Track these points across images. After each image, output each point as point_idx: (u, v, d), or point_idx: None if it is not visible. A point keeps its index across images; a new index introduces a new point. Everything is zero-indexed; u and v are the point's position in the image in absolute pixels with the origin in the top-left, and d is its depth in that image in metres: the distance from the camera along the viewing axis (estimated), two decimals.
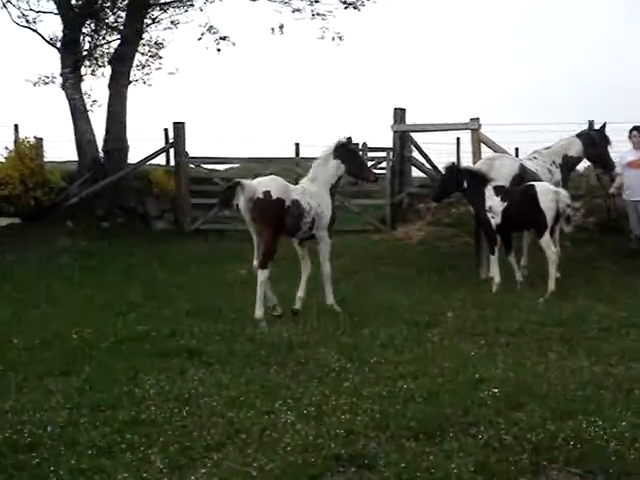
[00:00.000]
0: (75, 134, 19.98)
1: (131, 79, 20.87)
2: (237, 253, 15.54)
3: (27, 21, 20.57)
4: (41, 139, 19.50)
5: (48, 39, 20.38)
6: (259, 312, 9.78)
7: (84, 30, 20.62)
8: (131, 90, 20.76)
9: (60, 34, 20.11)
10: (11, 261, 15.44)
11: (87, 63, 21.11)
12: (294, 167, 19.09)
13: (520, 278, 12.11)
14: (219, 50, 21.86)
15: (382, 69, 59.66)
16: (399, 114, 18.04)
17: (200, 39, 21.73)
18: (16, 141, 19.75)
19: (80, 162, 20.00)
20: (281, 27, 21.99)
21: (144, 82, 22.18)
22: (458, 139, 25.37)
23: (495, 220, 11.90)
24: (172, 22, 21.93)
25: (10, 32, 52.54)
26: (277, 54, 56.76)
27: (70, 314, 10.21)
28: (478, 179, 12.12)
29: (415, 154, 18.80)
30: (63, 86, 20.00)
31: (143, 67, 22.10)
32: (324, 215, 10.33)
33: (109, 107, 20.22)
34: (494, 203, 11.92)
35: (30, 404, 6.65)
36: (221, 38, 21.83)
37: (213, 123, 46.87)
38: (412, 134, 18.39)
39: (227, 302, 11.03)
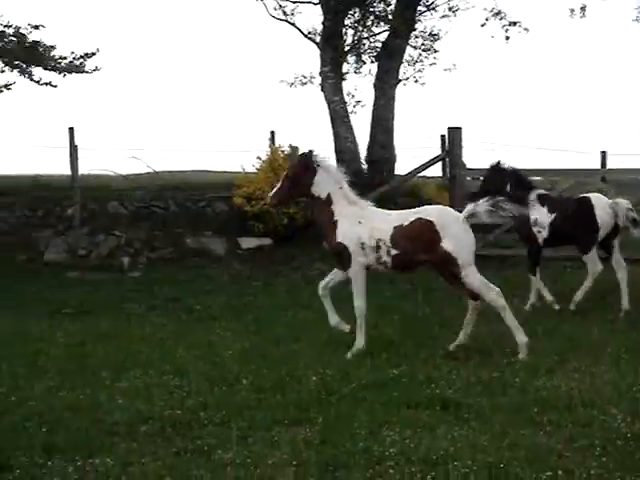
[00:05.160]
0: (335, 141, 20.53)
1: (400, 77, 21.15)
2: (523, 282, 15.20)
3: (284, 13, 21.52)
4: (297, 148, 20.16)
5: (306, 33, 21.16)
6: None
7: (347, 22, 21.20)
8: (400, 90, 21.04)
9: (320, 27, 20.80)
10: (256, 288, 16.07)
11: (350, 59, 21.66)
12: (597, 181, 18.50)
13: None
14: (507, 38, 21.72)
15: None
16: None
17: (484, 25, 21.71)
18: (271, 150, 20.50)
19: None
20: (583, 8, 21.52)
21: (415, 80, 22.46)
22: None
23: (542, 235, 12.81)
24: (450, 9, 22.09)
25: (265, 27, 54.88)
26: (579, 41, 54.88)
27: (312, 352, 10.39)
28: (523, 184, 12.94)
29: None
30: (322, 87, 20.63)
31: (415, 63, 22.38)
32: None
33: (374, 110, 20.62)
34: (540, 215, 12.71)
35: (252, 457, 6.78)
36: (510, 23, 21.66)
37: (496, 128, 46.28)
38: None
39: (500, 343, 10.76)
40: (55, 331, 11.81)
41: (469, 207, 10.37)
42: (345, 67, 21.32)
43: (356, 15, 21.43)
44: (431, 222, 10.22)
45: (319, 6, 20.70)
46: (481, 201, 10.38)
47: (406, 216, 10.46)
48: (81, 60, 21.74)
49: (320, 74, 20.70)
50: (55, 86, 21.79)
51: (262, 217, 18.88)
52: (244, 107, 47.60)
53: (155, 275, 17.53)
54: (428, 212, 10.48)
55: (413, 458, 6.69)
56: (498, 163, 13.18)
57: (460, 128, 19.66)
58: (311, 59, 29.33)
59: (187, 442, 7.18)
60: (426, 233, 10.19)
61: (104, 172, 21.47)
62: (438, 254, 10.18)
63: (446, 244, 10.16)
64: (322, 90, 20.64)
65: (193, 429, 7.54)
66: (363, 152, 20.77)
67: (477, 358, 10.05)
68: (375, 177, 20.07)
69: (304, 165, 10.52)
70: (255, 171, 19.85)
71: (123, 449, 7.03)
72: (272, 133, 21.89)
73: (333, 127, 20.53)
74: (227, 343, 10.89)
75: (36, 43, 21.16)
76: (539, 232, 12.77)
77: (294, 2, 21.43)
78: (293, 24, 21.43)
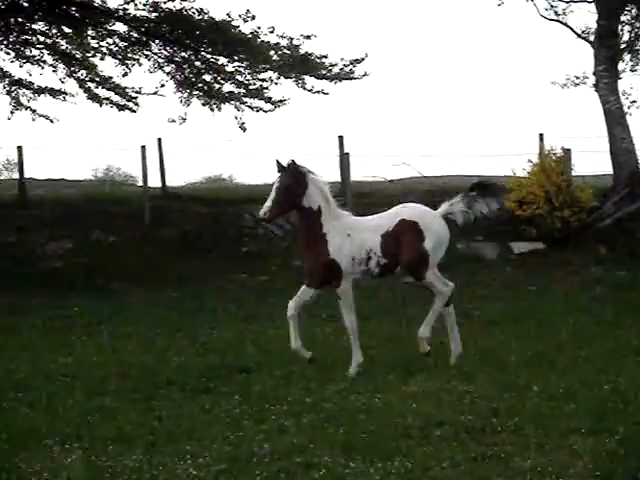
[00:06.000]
0: (610, 143, 19.95)
1: None
2: None
3: (555, 13, 21.14)
4: (569, 150, 19.76)
5: (579, 32, 20.71)
6: None
7: (623, 18, 20.56)
8: None
9: (594, 26, 20.28)
10: (532, 293, 15.88)
11: (626, 58, 21.01)
12: None
13: None
14: None
15: None
16: None
17: None
18: (541, 153, 20.21)
19: (615, 176, 19.92)
20: None
21: None
22: None
23: None
24: None
25: (535, 28, 54.38)
26: None
27: (600, 359, 10.10)
28: None
29: None
30: (596, 87, 20.13)
31: None
32: None
33: None
34: None
35: (552, 466, 6.62)
36: None
37: None
38: None
39: None
40: (339, 335, 12.04)
41: (445, 206, 10.31)
42: (620, 66, 20.71)
43: (633, 12, 20.77)
44: (415, 222, 10.03)
45: (593, 4, 20.21)
46: (455, 200, 10.32)
47: (388, 220, 10.21)
48: (350, 67, 22.04)
49: (594, 74, 20.19)
50: (327, 93, 22.19)
51: (535, 221, 18.71)
52: (514, 110, 47.30)
53: None
54: (407, 212, 10.24)
55: None
56: None
57: None
58: (583, 59, 28.73)
59: (483, 448, 7.11)
60: (410, 234, 9.99)
61: (373, 178, 21.77)
62: (419, 254, 10.03)
63: (427, 244, 10.05)
64: (596, 90, 20.13)
65: (487, 435, 7.46)
66: None
67: None
68: None
69: (297, 178, 10.11)
70: (526, 175, 19.53)
71: (420, 453, 7.03)
72: (541, 136, 21.51)
73: (608, 128, 19.95)
74: (510, 349, 10.76)
75: (308, 54, 21.66)
76: None
77: (566, 2, 21.09)
78: (565, 24, 21.09)
